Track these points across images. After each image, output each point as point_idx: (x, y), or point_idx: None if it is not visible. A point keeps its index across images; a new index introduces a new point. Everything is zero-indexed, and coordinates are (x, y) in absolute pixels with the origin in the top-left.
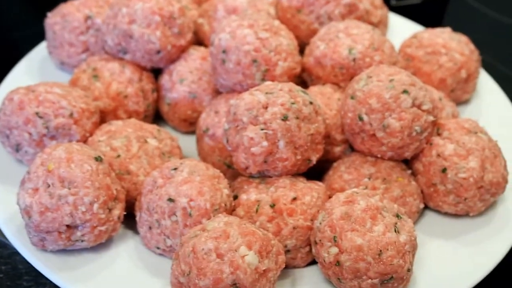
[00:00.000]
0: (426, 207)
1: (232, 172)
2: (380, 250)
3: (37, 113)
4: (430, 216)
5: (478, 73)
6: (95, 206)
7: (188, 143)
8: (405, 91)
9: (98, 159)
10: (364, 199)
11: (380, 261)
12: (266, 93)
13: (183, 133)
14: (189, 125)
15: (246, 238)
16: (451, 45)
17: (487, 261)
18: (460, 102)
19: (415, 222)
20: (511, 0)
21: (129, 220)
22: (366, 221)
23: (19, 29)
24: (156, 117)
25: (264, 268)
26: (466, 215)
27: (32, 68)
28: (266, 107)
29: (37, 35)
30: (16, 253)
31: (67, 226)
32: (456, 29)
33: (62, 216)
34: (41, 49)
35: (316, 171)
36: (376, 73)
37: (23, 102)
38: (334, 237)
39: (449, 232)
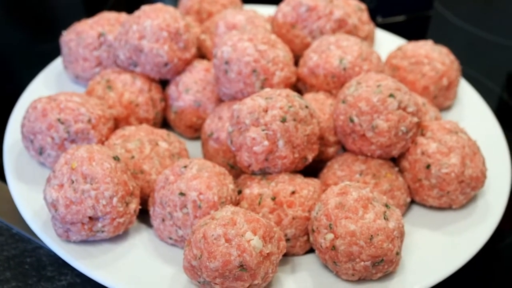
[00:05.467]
0: (413, 201)
1: (235, 172)
2: (371, 235)
3: (59, 119)
4: (416, 210)
5: (459, 81)
6: (114, 200)
7: (193, 148)
8: (391, 95)
9: (116, 158)
10: (356, 191)
11: (371, 245)
12: (266, 98)
13: (188, 139)
14: (194, 132)
15: (251, 224)
16: (433, 55)
17: (468, 249)
18: (443, 108)
19: (403, 215)
20: (487, 16)
21: (143, 216)
22: (358, 209)
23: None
24: (163, 125)
25: (267, 252)
26: (449, 207)
27: (49, 82)
28: (266, 110)
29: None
30: (39, 247)
31: (90, 218)
32: (437, 43)
33: (85, 208)
34: (56, 64)
35: (312, 172)
36: (365, 80)
37: (46, 109)
38: (330, 224)
39: (434, 223)
